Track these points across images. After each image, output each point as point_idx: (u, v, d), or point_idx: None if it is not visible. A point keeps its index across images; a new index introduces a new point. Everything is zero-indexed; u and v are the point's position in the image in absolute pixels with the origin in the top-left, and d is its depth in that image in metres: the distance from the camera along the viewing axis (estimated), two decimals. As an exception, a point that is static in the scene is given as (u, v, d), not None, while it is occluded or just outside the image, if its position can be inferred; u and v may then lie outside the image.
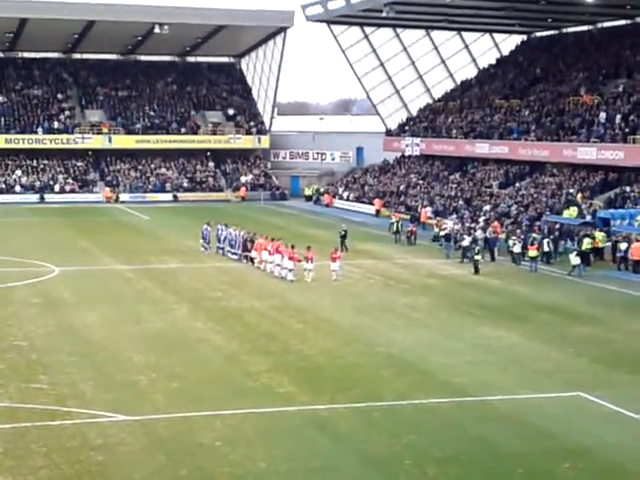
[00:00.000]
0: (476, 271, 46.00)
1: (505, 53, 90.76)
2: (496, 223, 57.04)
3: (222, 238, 52.70)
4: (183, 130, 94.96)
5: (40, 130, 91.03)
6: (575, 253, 46.90)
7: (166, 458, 19.90)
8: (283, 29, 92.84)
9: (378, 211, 72.36)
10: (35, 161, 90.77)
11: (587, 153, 61.62)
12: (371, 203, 75.77)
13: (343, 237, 54.31)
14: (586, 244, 48.48)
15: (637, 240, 48.00)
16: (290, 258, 43.10)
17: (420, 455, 20.25)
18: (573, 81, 72.49)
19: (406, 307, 38.22)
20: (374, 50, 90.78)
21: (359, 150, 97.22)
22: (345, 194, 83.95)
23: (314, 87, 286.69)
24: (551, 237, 51.19)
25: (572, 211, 55.66)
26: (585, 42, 78.66)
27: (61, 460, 19.50)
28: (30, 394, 24.68)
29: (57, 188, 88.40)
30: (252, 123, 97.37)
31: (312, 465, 19.69)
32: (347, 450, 20.74)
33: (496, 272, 47.41)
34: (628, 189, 56.93)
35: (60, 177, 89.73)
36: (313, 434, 21.69)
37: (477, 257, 46.74)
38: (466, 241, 51.29)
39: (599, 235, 50.51)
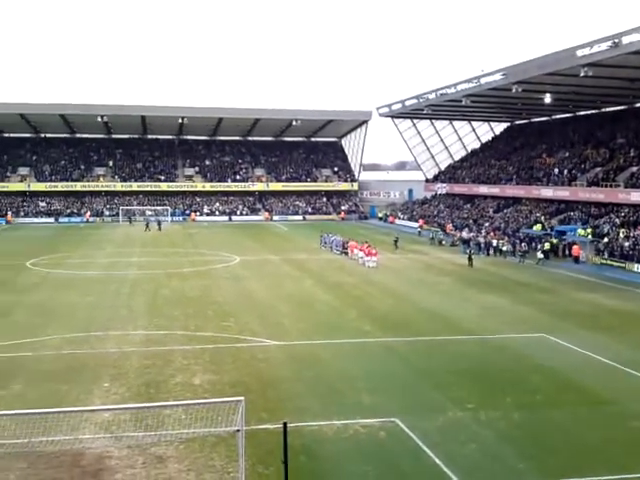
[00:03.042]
0: (470, 264, 44.50)
1: (497, 133, 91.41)
2: (492, 233, 56.29)
3: (330, 241, 53.67)
4: (309, 180, 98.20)
5: (229, 180, 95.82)
6: (540, 251, 47.46)
7: (299, 365, 20.66)
8: (365, 121, 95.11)
9: (421, 227, 71.33)
10: (227, 197, 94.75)
11: (547, 192, 61.77)
12: (417, 221, 75.23)
13: (395, 241, 55.19)
14: (546, 246, 48.69)
15: (575, 243, 48.57)
16: (368, 253, 43.71)
17: (444, 367, 20.64)
18: (538, 149, 72.37)
19: (436, 282, 37.97)
20: (418, 132, 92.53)
21: (410, 191, 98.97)
22: (402, 216, 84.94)
23: (383, 153, 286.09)
24: (525, 241, 51.41)
25: (538, 226, 56.00)
26: (545, 127, 78.75)
27: (241, 364, 20.68)
28: (224, 328, 25.50)
29: (238, 212, 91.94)
30: (348, 175, 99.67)
31: (383, 371, 20.17)
32: (403, 364, 21.05)
33: (490, 262, 47.08)
34: (572, 214, 56.63)
35: (240, 206, 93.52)
36: (383, 355, 22.00)
37: (472, 255, 45.54)
38: (505, 247, 50.20)
39: (554, 240, 50.56)
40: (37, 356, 22.03)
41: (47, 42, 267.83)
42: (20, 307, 30.32)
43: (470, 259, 44.82)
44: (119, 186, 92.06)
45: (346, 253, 49.02)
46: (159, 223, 75.14)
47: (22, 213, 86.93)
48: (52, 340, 24.17)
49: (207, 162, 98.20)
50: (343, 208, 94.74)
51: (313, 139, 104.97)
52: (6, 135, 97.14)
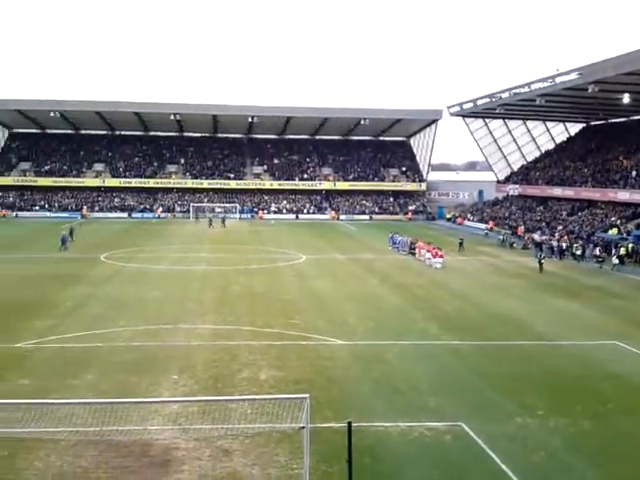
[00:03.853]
0: (540, 268, 42.98)
1: (572, 134, 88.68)
2: (565, 237, 55.20)
3: (397, 241, 53.19)
4: (376, 179, 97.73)
5: (297, 179, 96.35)
6: (615, 256, 45.96)
7: (364, 365, 20.60)
8: (435, 120, 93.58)
9: (491, 228, 70.75)
10: (294, 196, 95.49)
11: (624, 195, 60.33)
12: (487, 223, 74.46)
13: (460, 243, 54.06)
14: (622, 251, 47.08)
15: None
16: (435, 255, 43.41)
17: (513, 372, 20.31)
18: (615, 151, 70.37)
19: (506, 285, 37.23)
20: (490, 132, 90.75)
21: (480, 192, 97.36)
22: (471, 217, 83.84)
23: (453, 152, 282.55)
24: (601, 246, 50.07)
25: (614, 230, 54.73)
26: (623, 128, 75.79)
27: (306, 362, 20.76)
28: (290, 326, 25.62)
29: (305, 211, 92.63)
30: (416, 175, 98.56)
31: (450, 374, 19.95)
32: (469, 367, 20.68)
33: (563, 266, 45.94)
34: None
35: (307, 205, 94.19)
36: (449, 358, 21.77)
37: (544, 258, 44.16)
38: (579, 251, 49.11)
39: (630, 245, 48.49)
40: (109, 347, 22.69)
41: (124, 42, 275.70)
42: (94, 299, 31.25)
43: (540, 264, 43.49)
44: (190, 183, 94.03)
45: (413, 254, 48.74)
46: (223, 220, 76.47)
47: (97, 208, 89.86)
48: (124, 332, 24.85)
49: (275, 160, 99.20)
50: (410, 208, 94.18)
51: (381, 138, 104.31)
52: (83, 132, 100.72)
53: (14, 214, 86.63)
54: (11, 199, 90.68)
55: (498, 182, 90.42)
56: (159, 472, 13.35)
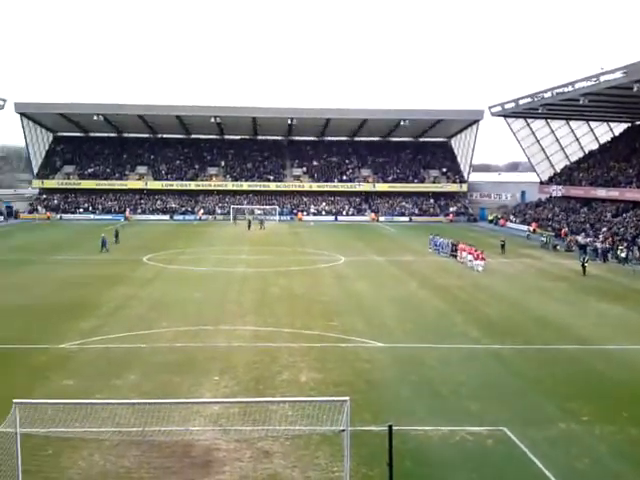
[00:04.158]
0: (584, 271, 42.08)
1: (617, 134, 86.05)
2: (610, 238, 54.54)
3: (437, 243, 52.79)
4: (416, 180, 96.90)
5: (336, 180, 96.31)
6: None
7: (403, 368, 20.51)
8: (476, 121, 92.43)
9: (534, 230, 69.03)
10: (333, 197, 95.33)
11: None
12: (530, 225, 72.59)
13: (502, 245, 53.61)
14: None
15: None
16: (476, 257, 43.02)
17: (556, 377, 19.96)
18: None
19: (549, 288, 36.56)
20: (533, 132, 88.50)
21: (523, 193, 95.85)
22: (513, 219, 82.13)
23: (495, 153, 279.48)
24: None
25: None
26: None
27: (345, 364, 20.60)
28: (329, 328, 25.70)
29: (344, 213, 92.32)
30: (456, 176, 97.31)
31: (491, 378, 19.66)
32: (512, 372, 20.43)
33: (607, 269, 45.16)
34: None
35: (346, 206, 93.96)
36: (491, 362, 21.53)
37: (588, 261, 43.45)
38: (624, 253, 48.50)
39: None
40: (152, 348, 23.02)
41: (165, 46, 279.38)
42: (136, 300, 31.83)
43: (584, 266, 42.75)
44: (230, 185, 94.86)
45: (455, 256, 48.33)
46: (261, 222, 76.72)
47: (139, 210, 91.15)
48: (166, 333, 25.20)
49: (315, 162, 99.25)
50: (451, 210, 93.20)
51: (421, 139, 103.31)
52: (126, 135, 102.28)
53: (58, 216, 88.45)
54: (56, 202, 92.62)
55: (541, 183, 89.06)
56: (200, 473, 13.46)
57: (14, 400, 11.92)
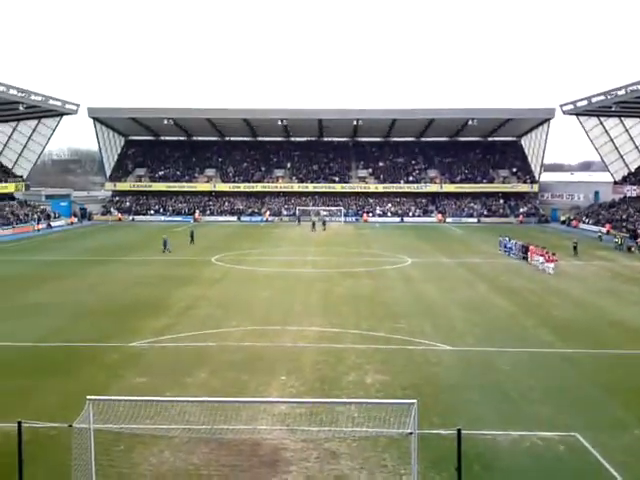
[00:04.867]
0: None
1: None
2: None
3: (507, 245, 51.91)
4: (484, 181, 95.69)
5: (402, 181, 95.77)
6: None
7: (473, 372, 20.22)
8: (547, 119, 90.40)
9: (608, 231, 68.06)
10: (399, 198, 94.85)
11: None
12: (603, 226, 71.40)
13: (574, 246, 52.44)
14: None
15: None
16: (547, 259, 42.20)
17: (632, 383, 19.24)
18: None
19: (625, 292, 35.43)
20: (606, 131, 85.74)
21: (596, 193, 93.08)
22: (586, 220, 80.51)
23: (567, 152, 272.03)
24: None
25: None
26: None
27: (413, 367, 20.59)
28: (396, 330, 25.52)
29: (410, 214, 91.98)
30: (527, 176, 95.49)
31: (563, 383, 19.23)
32: (585, 377, 19.88)
33: None
34: None
35: (412, 208, 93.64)
36: (563, 366, 21.05)
37: None
38: None
39: None
40: (220, 346, 23.40)
41: (231, 51, 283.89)
42: (205, 300, 32.45)
43: None
44: (296, 187, 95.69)
45: (525, 258, 47.54)
46: (324, 223, 77.27)
47: (208, 212, 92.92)
48: (234, 332, 25.58)
49: (380, 163, 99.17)
50: (522, 211, 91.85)
51: (490, 139, 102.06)
52: (195, 139, 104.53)
53: (130, 218, 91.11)
54: (128, 204, 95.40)
55: (615, 183, 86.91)
56: (268, 472, 13.58)
57: (88, 397, 12.23)
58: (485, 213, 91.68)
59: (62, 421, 13.31)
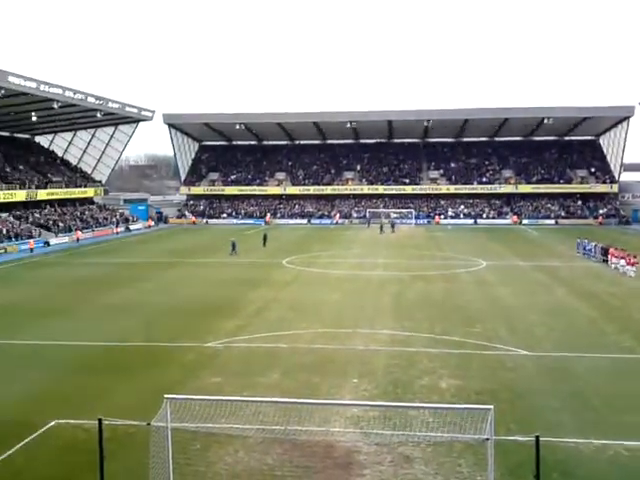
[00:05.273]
0: None
1: None
2: None
3: (586, 247, 50.85)
4: (561, 181, 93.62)
5: (475, 182, 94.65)
6: None
7: (551, 378, 19.68)
8: (627, 117, 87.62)
9: None
10: (472, 200, 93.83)
11: None
12: None
13: None
14: None
15: None
16: (629, 262, 41.33)
17: None
18: None
19: None
20: None
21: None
22: None
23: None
24: None
25: None
26: None
27: (488, 372, 20.09)
28: (470, 334, 25.09)
29: (484, 216, 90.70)
30: (606, 176, 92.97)
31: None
32: None
33: None
34: None
35: (486, 209, 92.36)
36: None
37: None
38: None
39: None
40: (291, 348, 23.57)
41: (297, 55, 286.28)
42: (276, 302, 32.81)
43: None
44: (366, 189, 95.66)
45: (605, 261, 46.33)
46: (392, 225, 76.80)
47: (278, 215, 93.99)
48: (305, 334, 25.73)
49: (452, 164, 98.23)
50: (601, 212, 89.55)
51: (567, 138, 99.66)
52: (265, 143, 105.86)
53: (204, 221, 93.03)
54: (201, 207, 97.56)
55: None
56: (342, 475, 13.56)
57: (165, 395, 12.46)
58: (562, 214, 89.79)
59: (140, 419, 13.53)
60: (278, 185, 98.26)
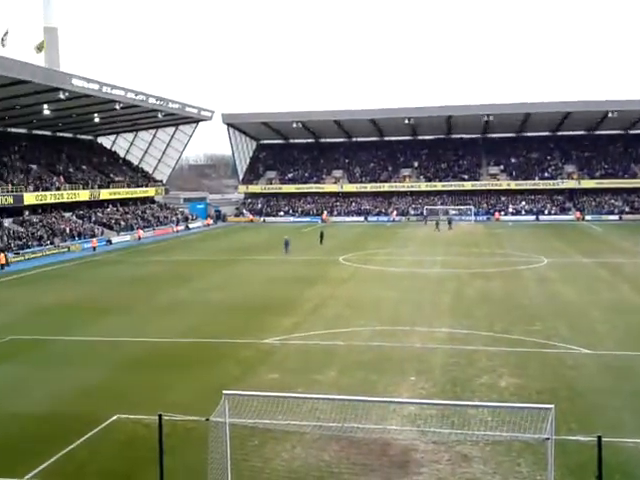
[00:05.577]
0: None
1: None
2: None
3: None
4: (626, 176, 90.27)
5: (536, 178, 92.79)
6: None
7: (614, 377, 19.14)
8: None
9: None
10: (533, 196, 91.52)
11: None
12: None
13: None
14: None
15: None
16: None
17: None
18: None
19: None
20: None
21: None
22: None
23: None
24: None
25: None
26: None
27: (548, 371, 19.42)
28: (530, 332, 24.65)
29: (546, 212, 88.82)
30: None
31: None
32: None
33: None
34: None
35: (548, 205, 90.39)
36: None
37: None
38: None
39: None
40: (348, 345, 23.61)
41: (356, 53, 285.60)
42: (333, 299, 32.91)
43: None
44: (423, 186, 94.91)
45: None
46: (450, 222, 76.01)
47: (335, 212, 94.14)
48: (362, 331, 25.71)
49: (512, 159, 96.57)
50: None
51: (632, 131, 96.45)
52: (322, 140, 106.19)
53: (262, 219, 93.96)
54: (259, 205, 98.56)
55: None
56: (398, 473, 13.51)
57: (224, 391, 12.58)
58: (627, 210, 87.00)
59: (199, 415, 13.72)
60: (335, 183, 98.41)
